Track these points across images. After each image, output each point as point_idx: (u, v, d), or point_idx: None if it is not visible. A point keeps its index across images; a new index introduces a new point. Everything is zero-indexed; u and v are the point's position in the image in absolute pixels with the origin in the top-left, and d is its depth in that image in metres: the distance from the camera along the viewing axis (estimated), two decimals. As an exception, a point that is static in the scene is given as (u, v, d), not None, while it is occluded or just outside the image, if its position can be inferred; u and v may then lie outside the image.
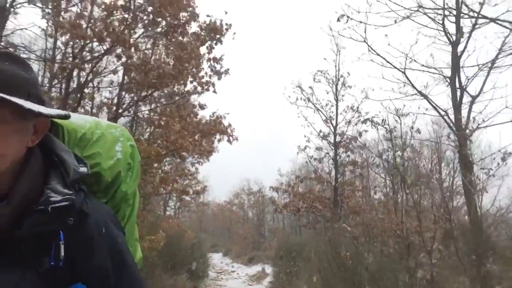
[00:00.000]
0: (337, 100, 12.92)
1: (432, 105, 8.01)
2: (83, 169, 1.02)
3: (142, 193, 12.78)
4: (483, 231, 6.30)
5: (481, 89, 8.14)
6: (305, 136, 12.95)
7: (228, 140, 9.76)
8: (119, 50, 8.21)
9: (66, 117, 0.98)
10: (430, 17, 8.08)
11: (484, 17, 7.34)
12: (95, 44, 8.75)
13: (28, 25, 8.20)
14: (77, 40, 8.52)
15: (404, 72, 8.26)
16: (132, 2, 9.14)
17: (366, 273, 6.09)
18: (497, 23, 7.23)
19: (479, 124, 7.70)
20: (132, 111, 10.02)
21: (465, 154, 7.56)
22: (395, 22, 8.01)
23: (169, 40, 9.31)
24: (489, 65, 8.12)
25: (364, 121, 10.61)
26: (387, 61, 8.49)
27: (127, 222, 1.21)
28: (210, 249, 31.06)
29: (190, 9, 9.38)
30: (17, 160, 0.93)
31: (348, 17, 7.91)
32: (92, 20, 8.74)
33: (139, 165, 1.29)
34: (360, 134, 12.16)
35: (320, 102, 13.24)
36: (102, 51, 8.61)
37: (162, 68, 7.49)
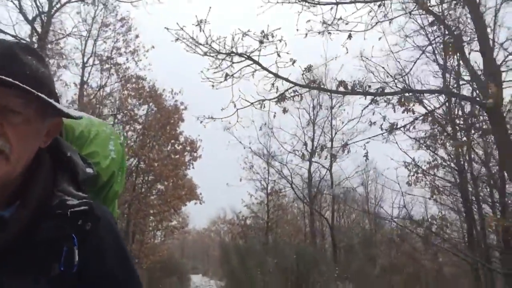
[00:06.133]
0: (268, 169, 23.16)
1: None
2: (89, 170, 1.08)
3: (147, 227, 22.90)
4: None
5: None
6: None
7: (200, 202, 19.90)
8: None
9: (80, 118, 1.07)
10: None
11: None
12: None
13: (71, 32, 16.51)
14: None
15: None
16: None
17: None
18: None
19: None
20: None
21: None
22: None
23: (168, 146, 19.40)
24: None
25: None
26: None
27: None
28: (191, 271, 40.72)
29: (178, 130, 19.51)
30: (29, 161, 0.96)
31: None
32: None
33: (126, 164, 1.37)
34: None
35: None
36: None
37: (166, 173, 17.54)
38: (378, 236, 21.38)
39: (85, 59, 18.45)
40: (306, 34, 7.59)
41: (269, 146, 22.84)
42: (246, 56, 6.22)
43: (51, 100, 0.92)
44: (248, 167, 23.25)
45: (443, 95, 7.76)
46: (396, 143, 9.96)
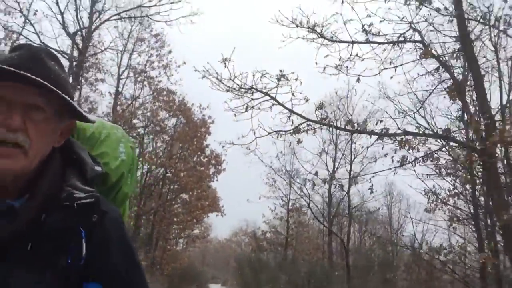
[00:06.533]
0: (291, 184, 23.76)
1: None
2: (97, 168, 1.13)
3: (170, 235, 23.87)
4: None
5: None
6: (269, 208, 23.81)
7: (221, 215, 20.72)
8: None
9: (94, 122, 1.17)
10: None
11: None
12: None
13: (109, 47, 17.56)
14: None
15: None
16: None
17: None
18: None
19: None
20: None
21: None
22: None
23: (194, 157, 20.37)
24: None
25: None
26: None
27: None
28: (210, 280, 41.55)
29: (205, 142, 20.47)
30: (43, 158, 1.04)
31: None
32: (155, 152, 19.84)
33: (137, 167, 1.44)
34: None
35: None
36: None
37: (191, 184, 18.46)
38: (398, 259, 21.62)
39: (120, 71, 19.76)
40: (324, 68, 8.30)
41: (291, 163, 23.47)
42: (264, 93, 6.99)
43: (73, 102, 1.01)
44: (271, 183, 23.97)
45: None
46: (414, 171, 10.42)
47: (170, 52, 20.05)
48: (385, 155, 8.08)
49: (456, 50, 6.98)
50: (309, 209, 20.15)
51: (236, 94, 6.97)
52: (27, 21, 15.42)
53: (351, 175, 15.14)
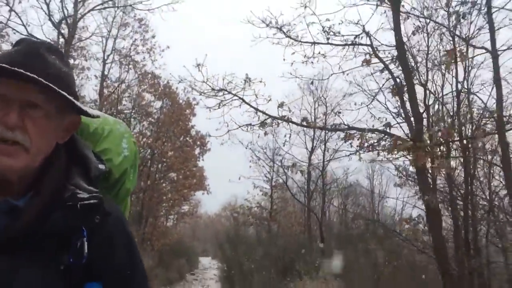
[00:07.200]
0: (273, 162, 25.12)
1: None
2: (101, 166, 1.14)
3: (159, 213, 25.24)
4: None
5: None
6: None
7: (207, 193, 22.11)
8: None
9: (97, 117, 1.18)
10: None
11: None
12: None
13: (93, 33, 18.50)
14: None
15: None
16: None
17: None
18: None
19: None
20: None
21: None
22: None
23: (180, 138, 21.56)
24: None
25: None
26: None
27: None
28: (201, 254, 43.51)
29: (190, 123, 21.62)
30: (47, 155, 1.05)
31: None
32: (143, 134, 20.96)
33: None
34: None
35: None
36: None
37: (177, 165, 19.71)
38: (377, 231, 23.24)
39: (106, 56, 20.53)
40: (292, 63, 9.52)
41: (274, 142, 24.73)
42: (233, 94, 8.19)
43: (71, 98, 1.01)
44: (255, 161, 25.31)
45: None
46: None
47: (153, 36, 20.85)
48: (344, 142, 9.39)
49: (395, 56, 8.21)
50: (293, 183, 21.61)
51: (208, 95, 8.16)
52: (13, 11, 16.05)
53: (324, 157, 16.64)
